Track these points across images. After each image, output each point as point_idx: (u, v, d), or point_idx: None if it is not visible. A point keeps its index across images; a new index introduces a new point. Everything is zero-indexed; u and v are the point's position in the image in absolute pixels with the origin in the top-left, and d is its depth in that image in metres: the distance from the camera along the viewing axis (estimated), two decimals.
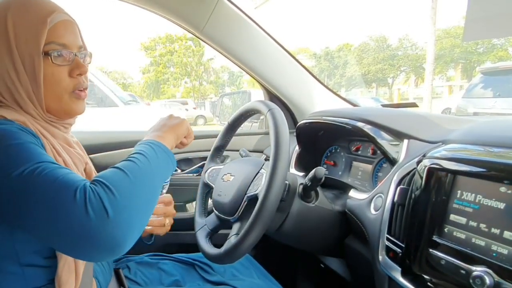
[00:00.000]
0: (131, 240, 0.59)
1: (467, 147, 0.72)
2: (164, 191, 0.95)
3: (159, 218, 0.95)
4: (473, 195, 0.65)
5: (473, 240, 0.63)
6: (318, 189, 1.00)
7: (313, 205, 0.98)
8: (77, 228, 0.54)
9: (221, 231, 1.01)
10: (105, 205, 0.55)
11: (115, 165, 0.64)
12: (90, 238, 0.55)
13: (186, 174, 1.58)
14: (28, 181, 0.57)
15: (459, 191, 0.67)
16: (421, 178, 0.73)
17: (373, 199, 0.91)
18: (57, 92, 0.73)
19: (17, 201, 0.57)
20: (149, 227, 0.94)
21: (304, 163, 1.33)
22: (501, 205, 0.61)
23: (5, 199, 0.58)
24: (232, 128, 1.11)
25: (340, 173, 1.24)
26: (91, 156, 1.45)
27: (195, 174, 1.58)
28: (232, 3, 1.39)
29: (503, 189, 0.61)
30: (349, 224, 1.00)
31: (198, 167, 1.55)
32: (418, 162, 0.77)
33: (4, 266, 0.67)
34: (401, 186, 0.80)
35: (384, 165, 1.07)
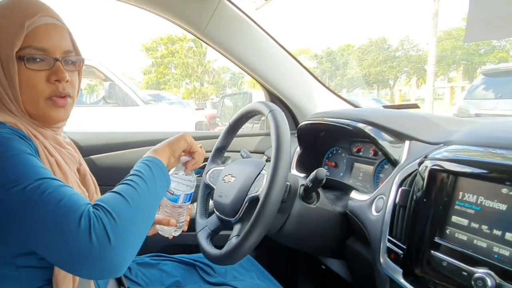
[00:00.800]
0: (129, 261, 0.61)
1: (468, 148, 0.72)
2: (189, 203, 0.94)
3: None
4: (475, 196, 0.65)
5: (475, 241, 0.63)
6: (319, 190, 1.00)
7: (314, 206, 0.98)
8: (79, 252, 0.55)
9: (222, 232, 1.02)
10: (108, 232, 0.56)
11: (115, 190, 0.64)
12: (91, 262, 0.56)
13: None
14: (31, 200, 0.57)
15: (460, 193, 0.67)
16: (423, 179, 0.73)
17: (374, 201, 0.90)
18: (33, 97, 0.71)
19: (18, 218, 0.57)
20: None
21: (305, 164, 1.33)
22: (503, 207, 0.61)
23: (5, 214, 0.58)
24: (233, 129, 1.11)
25: (341, 174, 1.24)
26: (93, 157, 1.46)
27: (196, 175, 1.58)
28: (233, 4, 1.39)
29: (504, 190, 0.61)
30: (350, 225, 1.00)
31: (200, 168, 1.55)
32: (420, 164, 0.77)
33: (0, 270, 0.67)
34: (403, 188, 0.80)
35: (386, 166, 1.07)
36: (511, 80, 5.28)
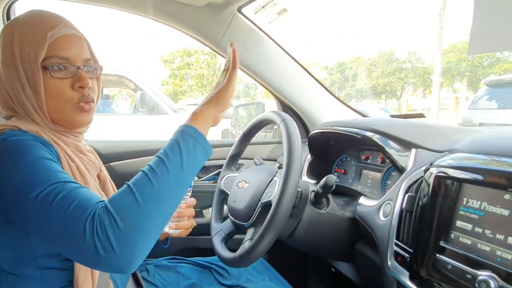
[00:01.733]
0: (138, 262, 0.58)
1: (472, 156, 0.72)
2: (189, 194, 0.93)
3: (183, 221, 0.93)
4: (479, 202, 0.65)
5: (479, 245, 0.63)
6: (329, 196, 1.00)
7: (324, 211, 0.98)
8: (88, 259, 0.57)
9: (236, 236, 1.02)
10: (110, 241, 0.54)
11: (130, 182, 0.60)
12: (100, 267, 0.58)
13: (202, 181, 1.59)
14: (44, 206, 0.57)
15: (465, 198, 0.67)
16: (428, 185, 0.73)
17: (382, 206, 0.90)
18: (60, 104, 0.72)
19: (35, 222, 0.58)
20: (176, 231, 0.93)
21: (315, 171, 1.33)
22: (506, 212, 0.60)
23: (23, 217, 0.59)
24: (246, 137, 1.12)
25: (350, 180, 1.24)
26: (113, 164, 1.48)
27: (211, 181, 1.60)
28: (247, 18, 1.42)
29: (507, 196, 0.61)
30: (358, 230, 1.00)
31: (214, 174, 1.57)
32: (426, 171, 0.77)
33: (23, 271, 0.68)
34: (409, 194, 0.80)
35: (393, 173, 1.07)
36: None
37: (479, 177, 0.66)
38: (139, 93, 4.60)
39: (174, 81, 27.98)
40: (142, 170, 0.61)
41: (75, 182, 0.62)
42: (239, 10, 1.39)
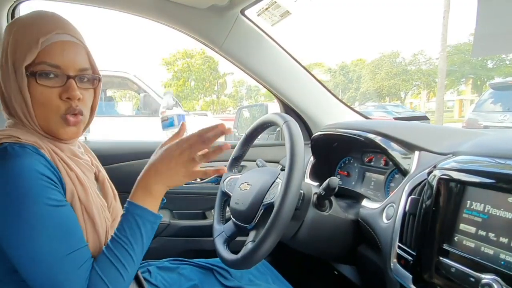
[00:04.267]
0: None
1: (476, 159, 0.72)
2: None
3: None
4: (482, 205, 0.65)
5: (482, 248, 0.63)
6: (332, 198, 1.00)
7: (327, 213, 0.98)
8: None
9: (238, 238, 1.02)
10: None
11: (98, 271, 0.65)
12: None
13: (205, 184, 1.59)
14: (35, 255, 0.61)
15: (468, 201, 0.67)
16: (432, 188, 0.73)
17: (385, 209, 0.90)
18: (45, 113, 0.70)
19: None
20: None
21: (318, 173, 1.33)
22: (510, 215, 0.60)
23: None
24: (249, 139, 1.12)
25: (353, 183, 1.24)
26: (112, 165, 1.48)
27: (214, 183, 1.60)
28: (250, 20, 1.42)
29: (511, 199, 0.60)
30: (361, 232, 1.00)
31: (217, 176, 1.57)
32: (429, 173, 0.77)
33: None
34: (412, 196, 0.80)
35: (396, 175, 1.07)
36: None
37: (483, 179, 0.66)
38: (142, 95, 4.61)
39: (177, 83, 28.08)
40: (109, 259, 0.67)
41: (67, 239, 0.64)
42: (242, 12, 1.39)
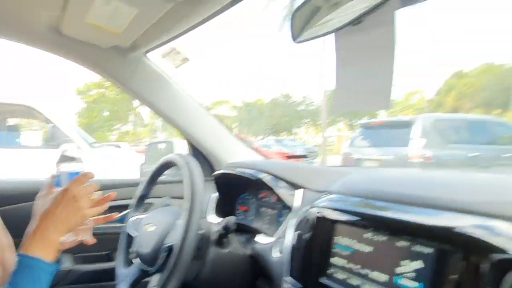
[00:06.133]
0: None
1: (342, 198, 0.76)
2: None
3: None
4: (349, 239, 0.69)
5: (350, 280, 0.66)
6: (233, 234, 0.98)
7: (227, 251, 0.95)
8: None
9: (147, 279, 0.93)
10: None
11: None
12: None
13: (110, 223, 1.44)
14: None
15: (337, 237, 0.71)
16: (310, 224, 0.76)
17: (276, 243, 0.91)
18: None
19: None
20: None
21: (222, 209, 1.30)
22: (369, 249, 0.65)
23: None
24: (153, 179, 1.07)
25: (251, 218, 1.24)
26: (7, 207, 1.26)
27: (119, 223, 1.46)
28: (153, 63, 1.38)
29: (368, 235, 0.65)
30: (258, 266, 0.99)
31: (122, 215, 1.44)
32: (308, 210, 0.80)
33: None
34: (297, 231, 0.82)
35: (284, 211, 1.10)
36: (380, 132, 5.90)
37: (346, 217, 0.70)
38: (50, 126, 4.11)
39: (89, 114, 25.99)
40: None
41: None
42: (146, 53, 1.35)
